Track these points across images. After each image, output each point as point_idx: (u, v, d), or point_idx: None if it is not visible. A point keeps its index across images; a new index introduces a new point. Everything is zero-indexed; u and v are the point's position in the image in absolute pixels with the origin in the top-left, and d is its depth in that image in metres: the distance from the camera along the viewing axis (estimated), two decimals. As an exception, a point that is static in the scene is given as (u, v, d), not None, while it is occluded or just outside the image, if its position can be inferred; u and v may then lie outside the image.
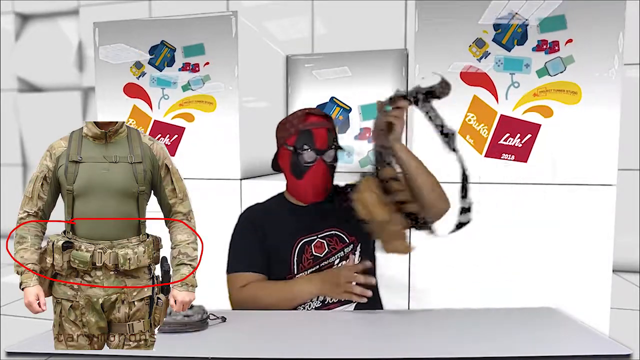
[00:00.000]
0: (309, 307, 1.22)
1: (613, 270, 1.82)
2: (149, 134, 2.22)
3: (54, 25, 5.05)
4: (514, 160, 1.42)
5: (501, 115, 1.48)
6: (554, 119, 1.65)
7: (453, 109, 1.76)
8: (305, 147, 1.26)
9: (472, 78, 1.42)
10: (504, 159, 1.41)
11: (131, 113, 2.27)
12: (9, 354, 0.92)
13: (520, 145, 1.40)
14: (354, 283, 1.16)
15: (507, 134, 1.41)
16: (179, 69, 2.20)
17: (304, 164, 1.28)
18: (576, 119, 1.78)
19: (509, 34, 1.36)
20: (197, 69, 2.17)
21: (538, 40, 1.40)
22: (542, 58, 1.45)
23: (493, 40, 1.42)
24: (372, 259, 1.32)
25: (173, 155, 2.23)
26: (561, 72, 1.39)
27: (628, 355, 0.86)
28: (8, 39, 5.09)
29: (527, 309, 1.23)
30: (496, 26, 1.35)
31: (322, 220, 1.31)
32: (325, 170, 1.29)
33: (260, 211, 1.39)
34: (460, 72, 1.40)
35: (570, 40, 1.28)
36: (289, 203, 1.38)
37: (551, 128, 1.77)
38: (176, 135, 2.22)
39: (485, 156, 1.50)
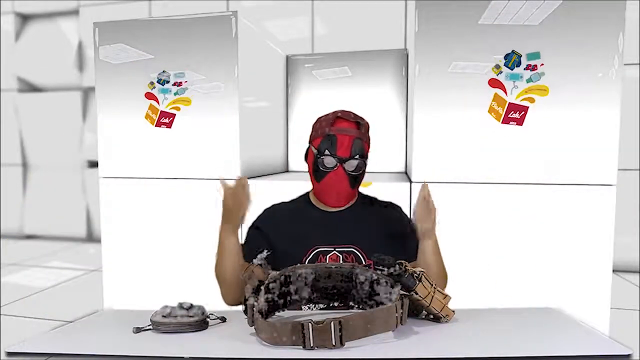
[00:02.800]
0: (315, 308, 1.22)
1: (613, 270, 1.82)
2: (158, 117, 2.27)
3: (54, 25, 5.05)
4: (516, 124, 1.82)
5: (509, 103, 1.84)
6: (539, 102, 1.85)
7: (446, 111, 1.90)
8: (327, 152, 1.24)
9: (494, 83, 1.84)
10: (511, 124, 1.82)
11: (149, 107, 2.29)
12: (9, 354, 0.92)
13: (519, 116, 1.82)
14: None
15: (512, 112, 1.83)
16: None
17: (324, 169, 1.26)
18: (577, 119, 1.79)
19: (512, 61, 1.81)
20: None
21: (526, 64, 1.81)
22: (528, 73, 1.81)
23: (504, 65, 1.82)
24: None
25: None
26: (538, 80, 1.80)
27: (628, 355, 0.86)
28: (8, 39, 5.09)
29: (527, 309, 1.23)
30: (505, 57, 1.82)
31: (344, 233, 1.28)
32: (345, 179, 1.26)
33: (280, 213, 1.36)
34: (488, 80, 1.83)
35: (542, 64, 1.79)
36: (313, 206, 1.35)
37: (552, 129, 1.80)
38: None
39: (502, 123, 1.84)
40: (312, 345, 0.87)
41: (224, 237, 1.23)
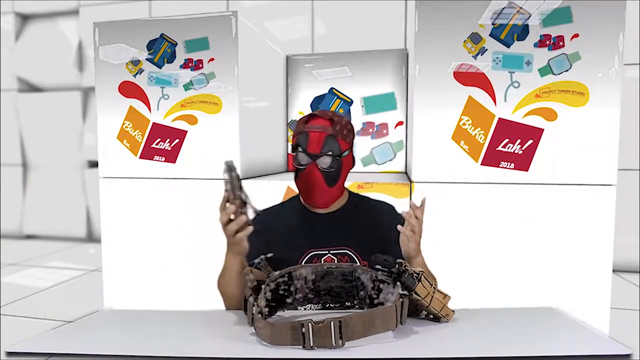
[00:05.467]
0: (314, 308, 1.22)
1: (613, 270, 1.82)
2: (147, 138, 2.21)
3: (54, 25, 5.05)
4: (513, 168, 1.30)
5: (499, 118, 1.39)
6: (558, 122, 1.56)
7: (446, 111, 1.77)
8: (300, 149, 1.25)
9: (467, 77, 1.33)
10: (502, 167, 1.30)
11: (127, 114, 2.25)
12: (9, 354, 0.92)
13: (520, 152, 1.29)
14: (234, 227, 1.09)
15: (506, 140, 1.31)
16: (180, 66, 2.18)
17: (298, 166, 1.27)
18: (578, 120, 1.79)
19: (508, 28, 1.24)
20: (200, 65, 2.16)
21: (540, 35, 1.27)
22: (545, 55, 1.34)
23: (490, 35, 1.30)
24: None
25: (174, 162, 2.21)
26: (566, 71, 1.26)
27: (628, 355, 0.86)
28: (8, 39, 5.09)
29: (527, 309, 1.23)
30: (494, 20, 1.23)
31: (336, 235, 1.29)
32: (320, 176, 1.25)
33: (272, 217, 1.36)
34: (454, 71, 1.30)
35: (576, 35, 1.12)
36: (304, 209, 1.35)
37: (554, 131, 1.77)
38: (177, 140, 2.20)
39: (482, 164, 1.39)
40: (312, 345, 0.87)
41: (228, 259, 1.20)
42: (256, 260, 1.13)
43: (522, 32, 1.31)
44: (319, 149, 1.24)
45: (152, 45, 2.18)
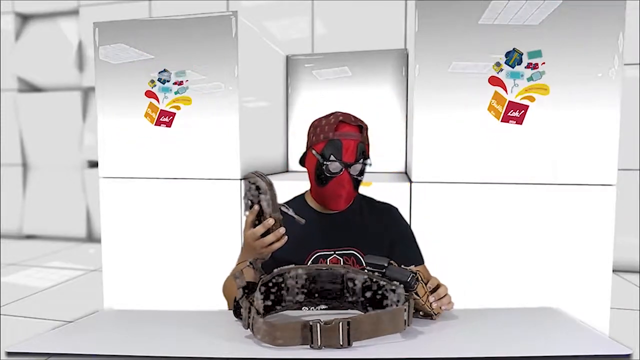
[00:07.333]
0: (310, 309, 1.22)
1: (613, 270, 1.82)
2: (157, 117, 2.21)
3: (54, 25, 5.05)
4: (515, 123, 1.84)
5: (509, 101, 1.85)
6: (539, 102, 1.85)
7: (446, 111, 1.91)
8: (332, 157, 1.22)
9: (494, 81, 1.85)
10: (510, 122, 1.84)
11: (147, 107, 2.28)
12: (9, 354, 0.92)
13: (518, 115, 1.84)
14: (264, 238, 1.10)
15: (512, 110, 1.84)
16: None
17: (330, 175, 1.23)
18: (578, 120, 1.79)
19: (513, 59, 1.83)
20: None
21: (527, 62, 1.83)
22: (529, 72, 1.83)
23: (505, 62, 1.84)
24: None
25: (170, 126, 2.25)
26: (539, 79, 1.81)
27: (628, 355, 0.86)
28: (8, 39, 5.09)
29: (527, 309, 1.22)
30: (507, 55, 1.83)
31: (343, 236, 1.28)
32: (349, 183, 1.24)
33: None
34: (488, 78, 1.85)
35: (543, 63, 1.81)
36: (310, 208, 1.34)
37: (554, 131, 1.80)
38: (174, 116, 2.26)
39: (501, 121, 1.85)
40: (320, 344, 0.87)
41: (242, 267, 1.17)
42: (250, 260, 1.12)
43: (519, 61, 1.83)
44: (354, 158, 1.22)
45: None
